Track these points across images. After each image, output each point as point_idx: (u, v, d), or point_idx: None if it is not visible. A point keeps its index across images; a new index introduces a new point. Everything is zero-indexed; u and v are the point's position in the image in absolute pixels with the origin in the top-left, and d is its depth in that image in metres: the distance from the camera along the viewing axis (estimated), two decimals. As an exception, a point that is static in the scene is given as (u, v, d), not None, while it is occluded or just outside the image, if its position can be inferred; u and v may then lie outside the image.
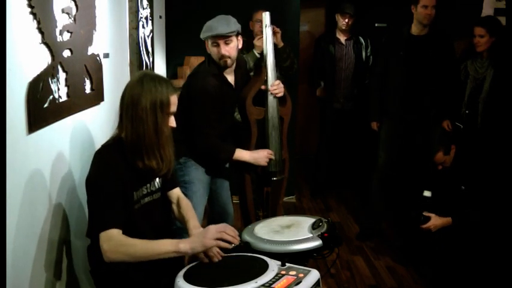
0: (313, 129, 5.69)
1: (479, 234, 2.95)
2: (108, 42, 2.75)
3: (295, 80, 4.50)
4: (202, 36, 2.68)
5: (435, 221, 2.98)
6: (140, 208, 1.99)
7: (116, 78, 2.83)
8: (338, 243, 2.20)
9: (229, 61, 2.70)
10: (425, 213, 3.00)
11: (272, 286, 1.66)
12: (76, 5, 2.15)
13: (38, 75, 1.76)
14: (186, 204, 2.20)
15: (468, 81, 3.51)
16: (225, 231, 1.91)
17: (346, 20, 4.56)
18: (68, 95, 2.06)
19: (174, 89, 1.96)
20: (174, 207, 2.21)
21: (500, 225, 2.95)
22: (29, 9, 1.70)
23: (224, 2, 4.18)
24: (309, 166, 5.31)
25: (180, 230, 2.34)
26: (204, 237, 1.84)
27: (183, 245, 1.80)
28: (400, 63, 3.70)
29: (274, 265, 1.80)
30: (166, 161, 1.97)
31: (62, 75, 2.00)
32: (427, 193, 3.11)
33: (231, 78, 2.81)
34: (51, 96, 1.88)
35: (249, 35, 3.84)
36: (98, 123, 2.52)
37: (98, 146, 2.05)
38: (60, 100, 1.98)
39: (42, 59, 1.82)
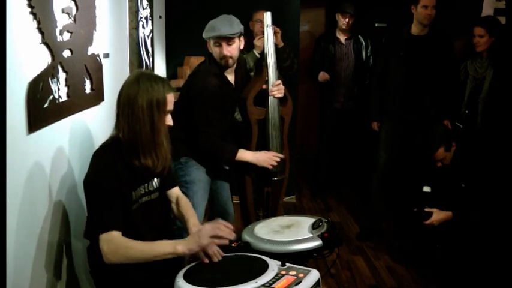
0: (313, 129, 5.69)
1: (479, 234, 2.95)
2: (108, 42, 2.75)
3: (295, 80, 4.50)
4: (205, 35, 2.68)
5: (437, 215, 2.98)
6: (139, 208, 1.99)
7: (116, 78, 2.83)
8: (338, 243, 2.20)
9: (230, 61, 2.70)
10: (427, 209, 3.01)
11: (272, 286, 1.66)
12: (76, 5, 2.15)
13: (38, 75, 1.76)
14: (186, 203, 2.20)
15: (468, 81, 3.51)
16: (219, 228, 1.92)
17: (347, 20, 4.56)
18: (68, 95, 2.06)
19: (170, 87, 1.96)
20: (174, 206, 2.21)
21: (500, 225, 2.95)
22: (29, 9, 1.70)
23: (224, 2, 4.18)
24: (309, 166, 5.31)
25: (180, 230, 2.35)
26: (199, 236, 1.85)
27: (181, 246, 1.80)
28: (400, 63, 3.70)
29: (274, 265, 1.80)
30: (162, 159, 1.97)
31: (62, 75, 2.00)
32: (426, 188, 3.11)
33: (231, 77, 2.81)
34: (51, 96, 1.88)
35: (249, 35, 3.84)
36: (98, 123, 2.52)
37: (97, 146, 2.05)
38: (60, 100, 1.98)
39: (42, 59, 1.82)
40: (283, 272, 1.76)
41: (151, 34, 3.88)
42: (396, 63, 3.72)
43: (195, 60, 4.12)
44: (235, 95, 2.86)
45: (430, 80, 3.65)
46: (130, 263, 1.81)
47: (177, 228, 2.42)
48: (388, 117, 3.84)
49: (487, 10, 4.07)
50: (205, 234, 1.85)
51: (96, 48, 2.43)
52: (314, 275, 1.76)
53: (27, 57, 1.70)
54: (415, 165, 3.58)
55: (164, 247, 1.81)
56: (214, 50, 2.69)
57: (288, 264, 1.82)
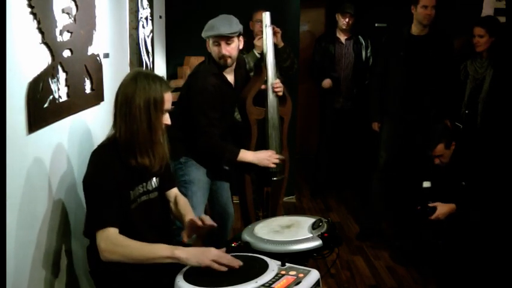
0: (313, 129, 5.69)
1: (479, 233, 2.95)
2: (108, 42, 2.75)
3: (295, 80, 4.50)
4: (203, 35, 2.69)
5: (441, 209, 2.99)
6: (137, 207, 1.99)
7: (116, 78, 2.83)
8: (338, 243, 2.20)
9: (229, 61, 2.70)
10: (430, 204, 3.01)
11: (272, 286, 1.66)
12: (76, 5, 2.15)
13: (38, 75, 1.76)
14: (184, 203, 2.20)
15: (468, 81, 3.51)
16: (223, 259, 1.79)
17: (347, 20, 4.56)
18: (68, 95, 2.06)
19: (168, 86, 1.96)
20: (172, 205, 2.21)
21: (500, 225, 2.95)
22: (29, 9, 1.70)
23: (224, 2, 4.18)
24: (309, 166, 5.31)
25: (179, 230, 2.34)
26: (202, 254, 1.78)
27: (179, 252, 1.76)
28: (400, 64, 3.70)
29: (274, 265, 1.80)
30: (159, 158, 1.97)
31: (62, 75, 2.00)
32: (426, 184, 3.11)
33: (230, 77, 2.81)
34: (51, 96, 1.88)
35: (249, 35, 3.84)
36: (98, 123, 2.52)
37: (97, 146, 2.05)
38: (60, 100, 1.98)
39: (42, 59, 1.82)
40: (283, 272, 1.76)
41: (151, 34, 3.88)
42: (396, 63, 3.73)
43: (195, 60, 4.12)
44: (235, 94, 2.86)
45: (430, 80, 3.65)
46: (129, 263, 1.80)
47: (176, 228, 2.41)
48: (388, 117, 3.84)
49: (487, 10, 4.07)
50: (208, 256, 1.77)
51: (96, 48, 2.43)
52: (314, 275, 1.76)
53: (27, 57, 1.70)
54: (415, 163, 3.58)
55: (162, 250, 1.78)
56: (213, 50, 2.69)
57: (288, 264, 1.82)
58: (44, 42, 1.82)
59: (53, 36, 1.90)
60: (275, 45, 3.25)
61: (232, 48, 2.68)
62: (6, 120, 1.53)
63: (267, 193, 3.08)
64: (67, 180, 2.14)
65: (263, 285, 1.67)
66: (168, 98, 1.95)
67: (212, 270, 1.80)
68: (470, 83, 3.50)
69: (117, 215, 1.84)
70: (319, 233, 2.13)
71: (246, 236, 2.18)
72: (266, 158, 2.82)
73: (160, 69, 4.41)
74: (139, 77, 1.91)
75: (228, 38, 2.64)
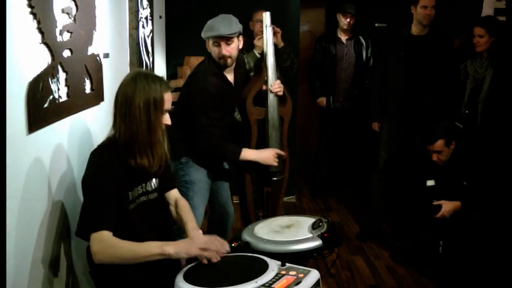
0: (313, 129, 5.69)
1: (480, 232, 2.95)
2: (108, 42, 2.75)
3: (295, 80, 4.50)
4: (203, 35, 2.68)
5: (446, 206, 3.00)
6: (136, 208, 1.99)
7: (116, 78, 2.83)
8: (338, 243, 2.20)
9: (229, 61, 2.70)
10: (435, 202, 3.01)
11: (272, 286, 1.66)
12: (76, 5, 2.15)
13: (38, 75, 1.76)
14: (184, 206, 2.19)
15: (468, 81, 3.51)
16: (212, 242, 1.86)
17: (348, 20, 4.56)
18: (68, 95, 2.06)
19: (167, 86, 1.96)
20: (172, 208, 2.20)
21: (500, 225, 2.95)
22: (29, 9, 1.70)
23: (224, 2, 4.18)
24: (309, 166, 5.31)
25: (179, 230, 2.34)
26: (190, 245, 1.82)
27: (168, 248, 1.78)
28: (400, 64, 3.70)
29: (274, 265, 1.80)
30: (158, 158, 1.97)
31: (62, 75, 2.00)
32: (430, 182, 3.12)
33: (230, 77, 2.81)
34: (51, 96, 1.88)
35: (249, 35, 3.84)
36: (98, 123, 2.52)
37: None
38: (60, 100, 1.98)
39: (42, 59, 1.82)
40: (283, 272, 1.76)
41: (151, 34, 3.88)
42: (396, 64, 3.73)
43: (195, 60, 4.12)
44: (235, 94, 2.86)
45: (430, 80, 3.65)
46: (122, 264, 1.81)
47: (176, 228, 2.41)
48: (388, 117, 3.84)
49: (487, 10, 4.07)
50: (196, 244, 1.83)
51: (96, 48, 2.43)
52: (314, 275, 1.76)
53: (27, 57, 1.70)
54: (416, 163, 3.58)
55: (152, 248, 1.79)
56: (213, 50, 2.69)
57: (288, 264, 1.82)
58: (44, 42, 1.82)
59: (53, 36, 1.90)
60: (275, 45, 3.25)
61: (232, 48, 2.68)
62: (6, 120, 1.53)
63: (267, 193, 3.08)
64: (67, 180, 2.14)
65: (263, 285, 1.67)
66: (168, 98, 1.95)
67: (212, 270, 1.80)
68: (470, 83, 3.50)
69: (112, 218, 1.84)
70: (319, 233, 2.13)
71: (246, 236, 2.18)
72: (269, 156, 2.82)
73: (160, 69, 4.41)
74: (139, 77, 1.91)
75: (228, 39, 2.64)
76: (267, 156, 2.82)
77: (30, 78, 1.71)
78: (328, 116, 4.79)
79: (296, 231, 2.18)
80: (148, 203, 2.06)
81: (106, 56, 2.69)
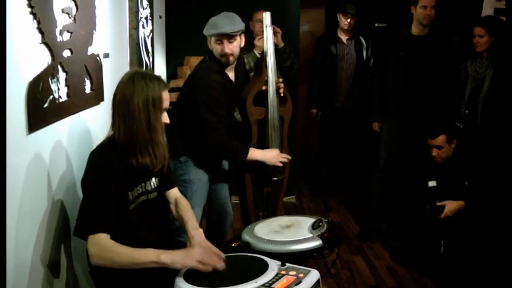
0: (313, 129, 5.69)
1: (480, 233, 2.95)
2: (108, 42, 2.75)
3: (295, 80, 4.50)
4: (206, 33, 2.68)
5: (450, 206, 3.00)
6: (136, 208, 1.99)
7: (116, 78, 2.81)
8: (338, 243, 2.20)
9: (231, 58, 2.70)
10: (439, 203, 3.01)
11: (272, 286, 1.66)
12: (76, 5, 2.15)
13: (38, 75, 1.76)
14: (185, 205, 2.19)
15: (468, 81, 3.51)
16: (209, 255, 1.82)
17: (348, 20, 4.56)
18: (68, 95, 2.06)
19: (165, 85, 1.97)
20: (172, 207, 2.20)
21: (501, 225, 2.95)
22: (29, 9, 1.70)
23: (224, 2, 4.15)
24: (309, 166, 5.31)
25: (178, 230, 2.34)
26: (187, 256, 1.80)
27: (164, 256, 1.76)
28: (400, 64, 3.70)
29: (274, 265, 1.80)
30: (160, 157, 1.97)
31: (62, 75, 2.00)
32: (432, 183, 3.12)
33: (231, 75, 2.81)
34: (51, 96, 1.88)
35: (249, 35, 3.83)
36: (98, 123, 2.52)
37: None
38: (60, 100, 1.98)
39: (42, 59, 1.82)
40: (283, 272, 1.76)
41: (151, 34, 3.88)
42: (396, 64, 3.73)
43: (195, 60, 4.12)
44: (236, 92, 2.85)
45: (430, 80, 3.66)
46: (119, 268, 1.80)
47: (175, 228, 2.41)
48: (389, 117, 3.84)
49: (487, 10, 4.06)
50: (193, 257, 1.80)
51: (96, 48, 2.43)
52: (314, 275, 1.76)
53: (27, 57, 1.70)
54: (416, 163, 3.58)
55: (148, 255, 1.77)
56: (216, 48, 2.68)
57: (288, 264, 1.82)
58: (44, 42, 1.82)
59: (53, 36, 1.90)
60: (275, 45, 3.24)
61: (235, 46, 2.68)
62: (6, 120, 1.53)
63: (267, 193, 3.08)
64: (67, 180, 2.14)
65: (263, 285, 1.67)
66: (166, 97, 1.95)
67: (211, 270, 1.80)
68: (470, 83, 3.50)
69: (111, 220, 1.84)
70: (319, 233, 2.13)
71: (246, 236, 2.18)
72: (274, 156, 2.82)
73: (160, 69, 4.41)
74: (136, 76, 1.92)
75: (231, 37, 2.63)
76: (272, 156, 2.82)
77: (30, 78, 1.71)
78: (328, 116, 4.79)
79: (296, 231, 2.18)
80: (148, 203, 2.06)
81: (106, 56, 2.69)
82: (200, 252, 1.83)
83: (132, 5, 3.31)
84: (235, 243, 2.16)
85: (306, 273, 1.75)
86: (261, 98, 2.91)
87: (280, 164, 2.86)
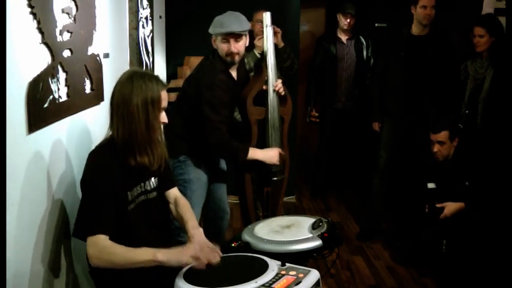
0: (313, 129, 5.69)
1: (480, 233, 2.95)
2: (108, 42, 2.75)
3: (295, 80, 4.49)
4: (212, 31, 2.67)
5: (450, 207, 3.00)
6: (135, 208, 1.99)
7: (115, 78, 2.81)
8: (338, 243, 2.20)
9: (237, 57, 2.70)
10: (438, 205, 3.01)
11: (272, 286, 1.66)
12: (76, 5, 2.15)
13: (38, 75, 1.76)
14: (184, 204, 2.19)
15: (468, 81, 3.51)
16: (202, 253, 1.83)
17: (348, 20, 4.56)
18: (68, 95, 2.06)
19: (163, 84, 1.97)
20: (172, 207, 2.20)
21: (501, 225, 2.95)
22: (29, 9, 1.70)
23: (224, 2, 4.16)
24: (309, 166, 5.31)
25: (178, 230, 2.34)
26: (182, 252, 1.81)
27: (160, 255, 1.77)
28: (400, 64, 3.70)
29: (274, 265, 1.80)
30: (158, 157, 1.97)
31: (62, 75, 2.00)
32: (431, 185, 3.12)
33: (234, 74, 2.82)
34: (51, 96, 1.88)
35: (250, 35, 3.83)
36: (98, 123, 2.52)
37: (97, 146, 2.05)
38: (60, 100, 1.98)
39: (42, 59, 1.82)
40: (283, 272, 1.76)
41: (151, 34, 3.88)
42: (396, 64, 3.73)
43: (195, 60, 4.12)
44: (238, 91, 2.85)
45: (430, 80, 3.65)
46: (118, 269, 1.80)
47: (175, 228, 2.41)
48: (389, 117, 3.84)
49: (487, 10, 4.06)
50: (187, 253, 1.81)
51: (96, 48, 2.43)
52: (314, 275, 1.76)
53: (27, 57, 1.70)
54: (416, 163, 3.58)
55: (144, 254, 1.78)
56: (222, 47, 2.68)
57: (288, 264, 1.82)
58: (44, 42, 1.82)
59: (53, 36, 1.90)
60: (275, 45, 3.24)
61: (241, 46, 2.68)
62: (6, 120, 1.53)
63: (267, 193, 3.08)
64: (67, 180, 2.14)
65: (263, 285, 1.67)
66: (165, 97, 1.96)
67: (212, 270, 1.80)
68: (471, 83, 3.49)
69: (109, 221, 1.84)
70: (319, 233, 2.13)
71: (246, 236, 2.18)
72: (274, 155, 2.82)
73: (160, 69, 4.41)
74: (135, 76, 1.92)
75: (237, 36, 2.63)
76: (272, 155, 2.82)
77: (30, 78, 1.71)
78: (329, 116, 4.79)
79: (296, 231, 2.18)
80: (148, 203, 2.06)
81: (106, 56, 2.69)
82: (194, 248, 1.84)
83: (132, 5, 3.31)
84: (235, 243, 2.16)
85: (306, 273, 1.75)
86: (261, 98, 2.91)
87: (278, 163, 2.85)
